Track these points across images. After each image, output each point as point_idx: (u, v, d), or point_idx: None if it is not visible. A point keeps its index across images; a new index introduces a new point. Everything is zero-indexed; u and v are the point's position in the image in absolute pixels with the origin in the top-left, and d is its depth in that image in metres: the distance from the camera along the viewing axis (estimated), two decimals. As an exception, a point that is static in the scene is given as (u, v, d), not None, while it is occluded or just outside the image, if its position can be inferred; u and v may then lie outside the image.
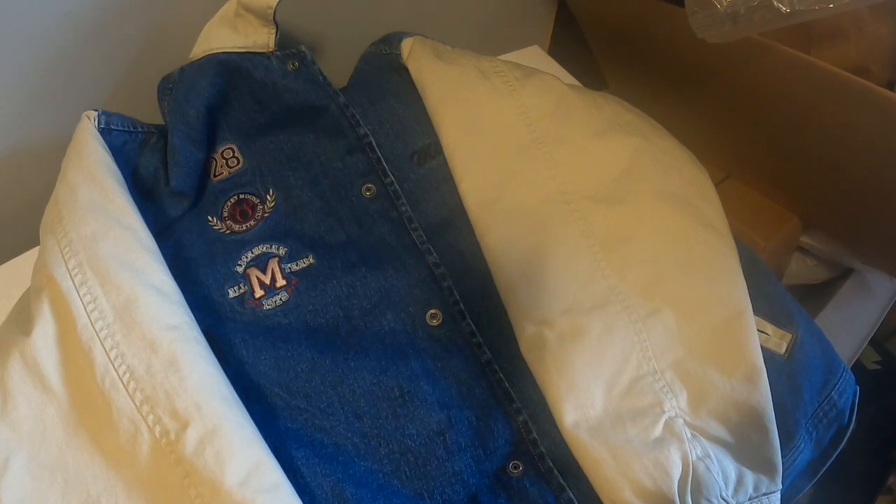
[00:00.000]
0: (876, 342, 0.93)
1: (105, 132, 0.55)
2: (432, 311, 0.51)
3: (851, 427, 0.51)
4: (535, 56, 0.75)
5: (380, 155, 0.57)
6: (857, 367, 0.83)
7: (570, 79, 0.71)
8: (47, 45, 0.58)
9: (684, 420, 0.46)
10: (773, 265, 0.76)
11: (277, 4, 0.59)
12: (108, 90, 0.64)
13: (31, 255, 0.58)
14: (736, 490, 0.45)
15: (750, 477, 0.46)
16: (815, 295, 0.81)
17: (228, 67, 0.59)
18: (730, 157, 0.75)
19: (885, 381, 0.92)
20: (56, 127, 0.58)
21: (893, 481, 0.90)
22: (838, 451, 0.52)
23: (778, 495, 0.47)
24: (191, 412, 0.42)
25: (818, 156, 0.64)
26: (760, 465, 0.46)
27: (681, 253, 0.50)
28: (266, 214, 0.56)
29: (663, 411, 0.46)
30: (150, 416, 0.42)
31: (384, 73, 0.64)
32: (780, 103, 0.61)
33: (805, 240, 0.77)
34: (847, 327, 0.77)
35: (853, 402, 0.51)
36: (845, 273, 0.80)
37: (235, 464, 0.41)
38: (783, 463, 0.46)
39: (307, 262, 0.53)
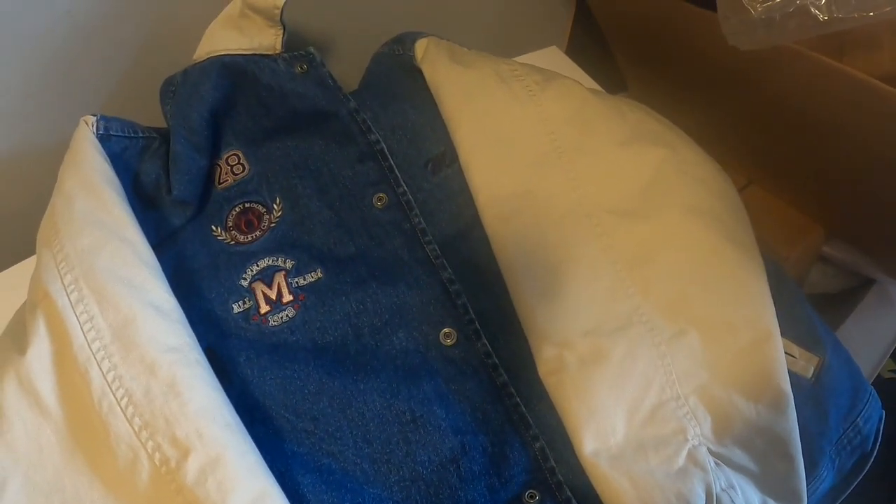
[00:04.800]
0: (893, 351, 0.91)
1: (104, 138, 0.53)
2: (446, 329, 0.49)
3: (875, 454, 0.50)
4: (553, 57, 0.72)
5: (392, 163, 0.55)
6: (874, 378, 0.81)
7: (588, 81, 0.69)
8: (46, 45, 0.56)
9: (708, 448, 0.44)
10: (795, 275, 0.74)
11: (284, 4, 0.57)
12: (108, 92, 0.62)
13: (29, 264, 0.57)
14: (760, 522, 0.44)
15: (774, 508, 0.44)
16: (836, 306, 0.79)
17: (233, 70, 0.57)
18: (752, 163, 0.73)
19: (901, 391, 0.91)
20: (55, 130, 0.57)
21: (908, 493, 0.89)
22: (860, 478, 0.50)
23: (801, 527, 0.45)
24: (192, 440, 0.40)
25: (845, 165, 0.62)
26: (785, 495, 0.45)
27: (707, 271, 0.48)
28: (272, 224, 0.54)
29: (686, 439, 0.44)
30: (150, 443, 0.40)
31: (397, 75, 0.62)
32: (809, 110, 0.59)
33: (826, 249, 0.76)
34: (869, 340, 0.75)
35: (878, 428, 0.50)
36: (866, 284, 0.78)
37: (239, 494, 0.39)
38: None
39: (315, 277, 0.51)
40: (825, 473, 0.47)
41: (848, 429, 0.48)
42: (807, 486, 0.45)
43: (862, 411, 0.49)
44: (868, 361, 0.75)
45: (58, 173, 0.51)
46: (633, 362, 0.45)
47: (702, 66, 0.66)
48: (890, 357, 0.91)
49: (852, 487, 0.51)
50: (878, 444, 0.49)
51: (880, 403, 0.50)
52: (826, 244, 0.75)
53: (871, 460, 0.50)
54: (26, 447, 0.42)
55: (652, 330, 0.46)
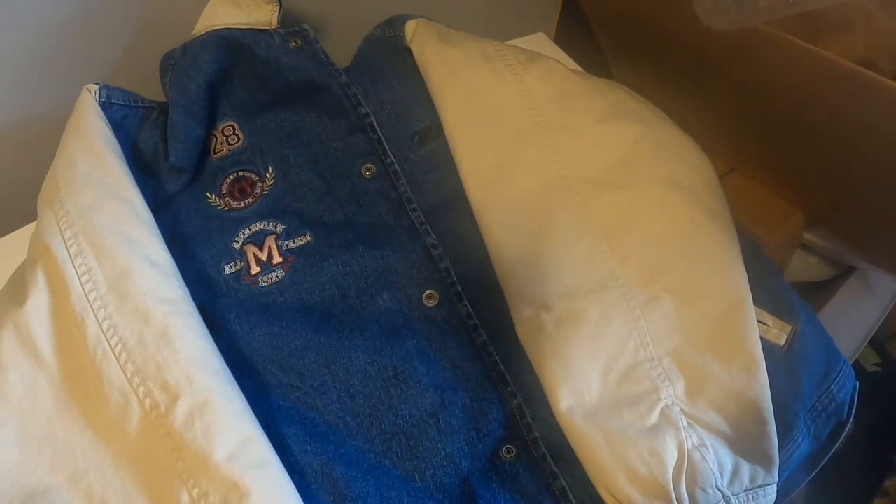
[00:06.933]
0: (876, 344, 0.92)
1: (105, 106, 0.55)
2: (429, 291, 0.51)
3: (851, 421, 0.51)
4: (541, 44, 0.74)
5: (381, 135, 0.57)
6: (857, 369, 0.81)
7: (575, 67, 0.71)
8: (50, 20, 0.58)
9: (681, 408, 0.45)
10: (775, 261, 0.75)
11: (280, -20, 0.59)
12: (110, 66, 0.63)
13: (28, 230, 0.58)
14: (731, 481, 0.45)
15: (746, 468, 0.45)
16: (817, 292, 0.80)
17: (231, 44, 0.59)
18: (734, 151, 0.74)
19: (884, 384, 0.91)
20: (57, 102, 0.58)
21: (890, 484, 0.89)
22: (837, 445, 0.51)
23: (774, 487, 0.46)
24: (181, 385, 0.42)
25: (824, 150, 0.63)
26: (757, 456, 0.46)
27: (682, 240, 0.50)
28: (265, 192, 0.55)
29: (660, 399, 0.45)
30: (141, 389, 0.42)
31: (387, 54, 0.64)
32: (786, 95, 0.60)
33: (807, 237, 0.77)
34: (848, 326, 0.76)
35: (852, 397, 0.51)
36: (847, 271, 0.79)
37: (224, 438, 0.41)
38: (781, 456, 0.46)
39: (304, 240, 0.53)
40: (800, 438, 0.48)
41: (822, 396, 0.49)
42: (783, 450, 0.47)
43: (836, 379, 0.50)
44: (847, 347, 0.76)
45: (59, 143, 0.52)
46: (607, 323, 0.47)
47: (681, 51, 0.67)
48: (873, 349, 0.93)
49: (829, 456, 0.51)
50: (853, 412, 0.50)
51: (854, 373, 0.51)
52: (808, 232, 0.76)
53: (848, 428, 0.51)
54: (21, 396, 0.43)
55: (626, 294, 0.48)
